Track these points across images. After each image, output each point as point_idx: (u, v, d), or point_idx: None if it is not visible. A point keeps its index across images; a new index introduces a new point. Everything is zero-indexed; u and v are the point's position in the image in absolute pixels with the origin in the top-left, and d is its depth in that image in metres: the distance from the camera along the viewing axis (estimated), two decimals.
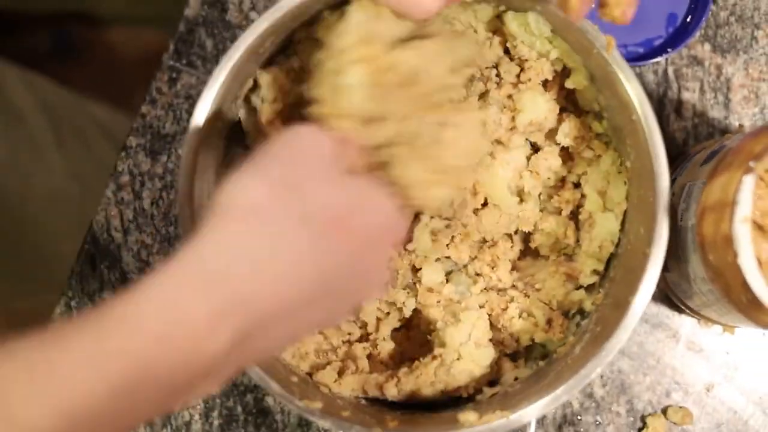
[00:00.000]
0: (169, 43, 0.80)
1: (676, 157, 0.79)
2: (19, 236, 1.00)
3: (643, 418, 0.77)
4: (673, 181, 0.74)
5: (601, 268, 0.72)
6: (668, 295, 0.77)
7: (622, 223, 0.70)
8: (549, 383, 0.64)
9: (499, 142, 0.72)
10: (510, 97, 0.71)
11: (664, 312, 0.78)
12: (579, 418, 0.77)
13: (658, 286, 0.77)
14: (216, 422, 0.77)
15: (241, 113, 0.70)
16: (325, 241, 0.47)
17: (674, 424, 0.77)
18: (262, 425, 0.77)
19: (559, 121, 0.72)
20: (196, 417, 0.77)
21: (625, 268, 0.68)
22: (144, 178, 0.79)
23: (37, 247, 1.02)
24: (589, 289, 0.73)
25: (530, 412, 0.63)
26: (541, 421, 0.77)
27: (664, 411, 0.77)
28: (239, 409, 0.77)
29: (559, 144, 0.73)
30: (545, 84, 0.71)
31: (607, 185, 0.71)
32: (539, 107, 0.70)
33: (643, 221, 0.65)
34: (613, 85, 0.65)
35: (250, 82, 0.69)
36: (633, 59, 0.78)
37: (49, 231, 1.02)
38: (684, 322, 0.78)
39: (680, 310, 0.78)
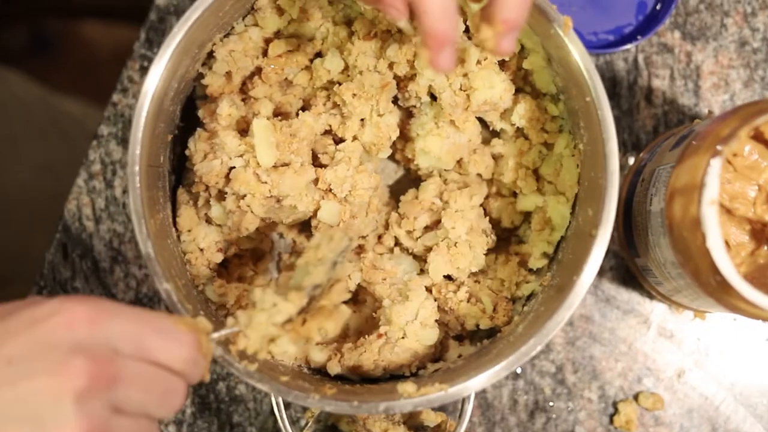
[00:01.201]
0: (140, 31, 0.79)
1: (647, 144, 0.79)
2: None
3: (614, 404, 0.77)
4: (643, 167, 0.75)
5: (551, 251, 0.72)
6: (639, 282, 0.77)
7: (573, 206, 0.70)
8: (490, 359, 0.65)
9: (452, 122, 0.72)
10: (465, 75, 0.71)
11: (635, 298, 0.78)
12: (551, 404, 0.78)
13: (629, 272, 0.78)
14: (189, 410, 0.77)
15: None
16: None
17: (646, 409, 0.77)
18: (234, 413, 0.77)
19: (515, 102, 0.72)
20: None
21: (573, 250, 0.68)
22: (116, 167, 0.79)
23: (11, 241, 1.01)
24: (538, 272, 0.73)
25: (469, 386, 0.63)
26: (513, 407, 0.78)
27: (636, 397, 0.77)
28: (212, 397, 0.77)
29: (514, 125, 0.73)
30: (502, 64, 0.72)
31: (560, 168, 0.71)
32: (495, 87, 0.70)
33: (592, 203, 0.66)
34: (569, 67, 0.65)
35: (209, 47, 0.70)
36: (603, 46, 0.78)
37: (23, 224, 1.01)
38: (655, 308, 0.78)
39: (651, 296, 0.78)
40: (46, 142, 1.05)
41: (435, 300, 0.73)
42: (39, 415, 0.44)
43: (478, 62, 0.70)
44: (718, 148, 0.62)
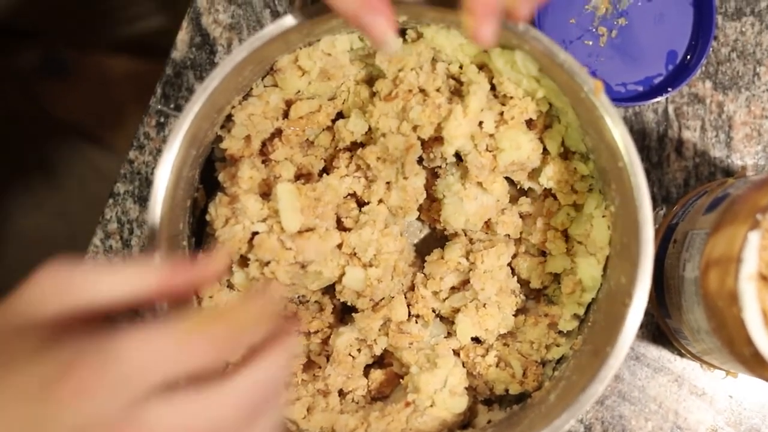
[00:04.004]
0: (156, 87, 0.77)
1: (677, 198, 0.77)
2: (4, 276, 0.98)
3: None
4: (675, 225, 0.73)
5: (581, 312, 0.70)
6: (670, 340, 0.76)
7: (604, 268, 0.68)
8: (522, 431, 0.63)
9: (479, 184, 0.70)
10: (492, 136, 0.68)
11: (665, 356, 0.76)
12: None
13: (659, 329, 0.76)
14: None
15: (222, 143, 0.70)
16: None
17: None
18: None
19: (543, 162, 0.70)
20: None
21: (605, 314, 0.66)
22: (132, 226, 0.77)
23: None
24: (568, 334, 0.71)
25: None
26: None
27: None
28: None
29: (542, 185, 0.71)
30: (529, 123, 0.69)
31: (590, 228, 0.69)
32: (522, 147, 0.68)
33: (624, 270, 0.63)
34: (600, 130, 0.63)
35: (228, 110, 0.67)
36: (632, 98, 0.76)
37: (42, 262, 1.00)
38: (686, 366, 0.76)
39: (682, 354, 0.76)
40: (64, 187, 1.04)
41: (463, 365, 0.71)
42: None
43: (504, 121, 0.68)
44: (758, 218, 0.60)
